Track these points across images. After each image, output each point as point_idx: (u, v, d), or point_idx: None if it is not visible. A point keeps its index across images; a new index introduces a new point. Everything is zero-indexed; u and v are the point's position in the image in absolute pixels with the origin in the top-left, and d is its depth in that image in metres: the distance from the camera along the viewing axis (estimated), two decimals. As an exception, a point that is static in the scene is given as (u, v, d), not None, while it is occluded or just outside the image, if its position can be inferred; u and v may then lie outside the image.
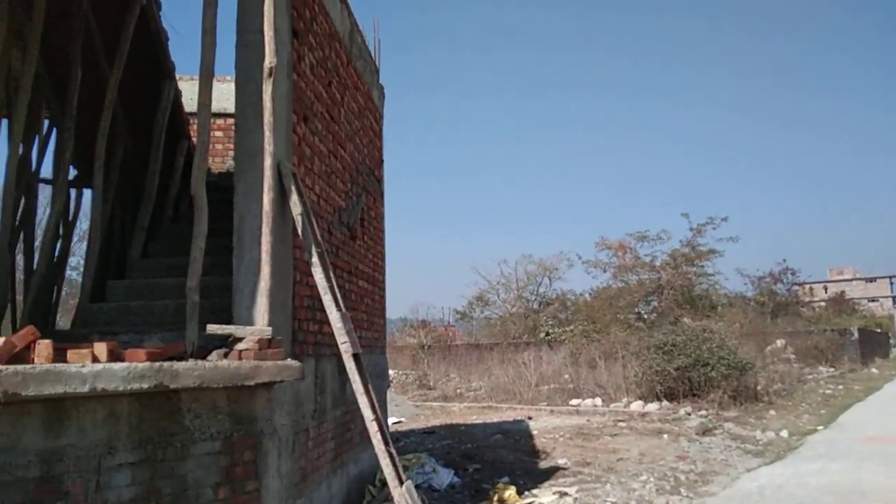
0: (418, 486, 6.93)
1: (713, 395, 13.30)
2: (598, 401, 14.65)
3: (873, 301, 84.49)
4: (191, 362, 3.71)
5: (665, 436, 10.31)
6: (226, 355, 4.02)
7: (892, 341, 45.19)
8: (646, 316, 31.49)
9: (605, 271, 32.68)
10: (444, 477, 7.32)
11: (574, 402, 14.88)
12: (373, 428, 4.35)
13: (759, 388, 15.03)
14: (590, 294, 36.35)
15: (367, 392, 4.43)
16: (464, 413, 14.54)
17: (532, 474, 7.77)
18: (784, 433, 10.75)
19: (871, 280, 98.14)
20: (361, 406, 4.40)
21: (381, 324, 8.20)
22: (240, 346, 4.00)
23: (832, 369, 23.85)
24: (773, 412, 13.16)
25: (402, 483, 4.26)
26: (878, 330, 42.19)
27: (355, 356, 4.54)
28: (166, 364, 3.53)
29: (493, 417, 13.19)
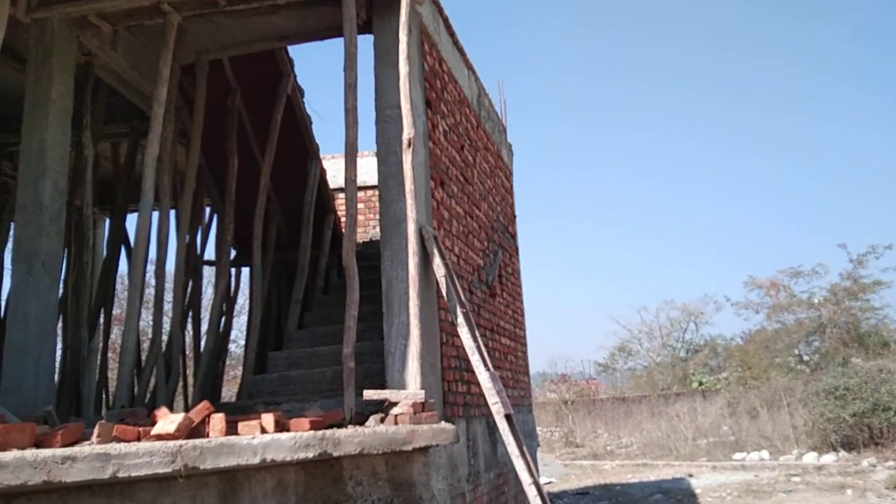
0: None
1: (900, 444, 11.81)
2: (765, 453, 13.45)
3: None
4: (351, 429, 3.76)
5: (849, 491, 9.23)
6: (382, 420, 4.05)
7: None
8: (807, 358, 28.94)
9: (757, 312, 30.55)
10: (606, 541, 6.91)
11: (737, 456, 13.74)
12: (532, 492, 4.18)
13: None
14: (742, 338, 34.00)
15: (522, 454, 4.29)
16: (617, 471, 13.82)
17: (702, 537, 7.17)
18: None
19: None
20: (518, 469, 4.26)
21: (526, 381, 8.05)
22: (395, 410, 4.02)
23: None
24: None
25: (566, 550, 4.04)
26: None
27: (507, 417, 4.43)
28: (328, 432, 3.59)
29: (650, 475, 12.42)
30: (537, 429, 25.12)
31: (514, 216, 8.97)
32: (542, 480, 12.73)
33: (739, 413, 18.39)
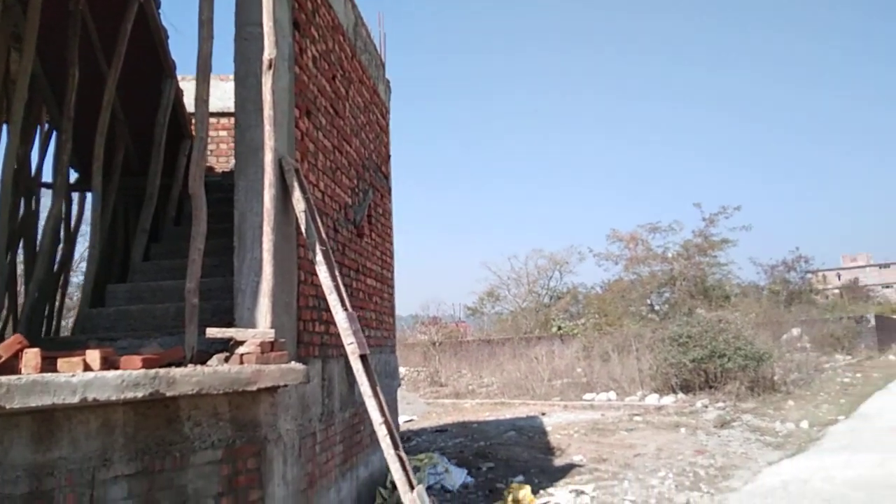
0: (430, 487, 6.77)
1: (730, 387, 13.05)
2: (613, 395, 14.43)
3: (888, 287, 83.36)
4: (189, 368, 3.53)
5: (682, 429, 10.09)
6: (227, 360, 3.85)
7: (908, 328, 44.56)
8: (658, 308, 31.24)
9: (616, 264, 32.47)
10: (457, 477, 7.14)
11: (588, 396, 14.67)
12: (382, 431, 4.16)
13: (776, 378, 14.76)
14: (601, 287, 36.09)
15: (375, 394, 4.25)
16: (476, 410, 14.36)
17: (547, 472, 7.58)
18: (804, 424, 10.49)
19: (886, 266, 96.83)
20: (370, 409, 4.22)
21: (391, 322, 8.02)
22: (241, 349, 3.82)
23: (849, 357, 23.48)
24: (791, 402, 12.89)
25: (412, 488, 4.08)
26: (895, 316, 41.59)
27: (362, 357, 4.36)
28: (162, 371, 3.35)
29: (506, 414, 12.99)
30: (404, 369, 25.56)
31: (389, 156, 8.76)
32: (404, 419, 12.97)
33: (593, 357, 19.57)
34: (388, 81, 8.94)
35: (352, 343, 4.30)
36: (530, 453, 8.71)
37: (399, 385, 8.35)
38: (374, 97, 7.93)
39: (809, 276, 46.06)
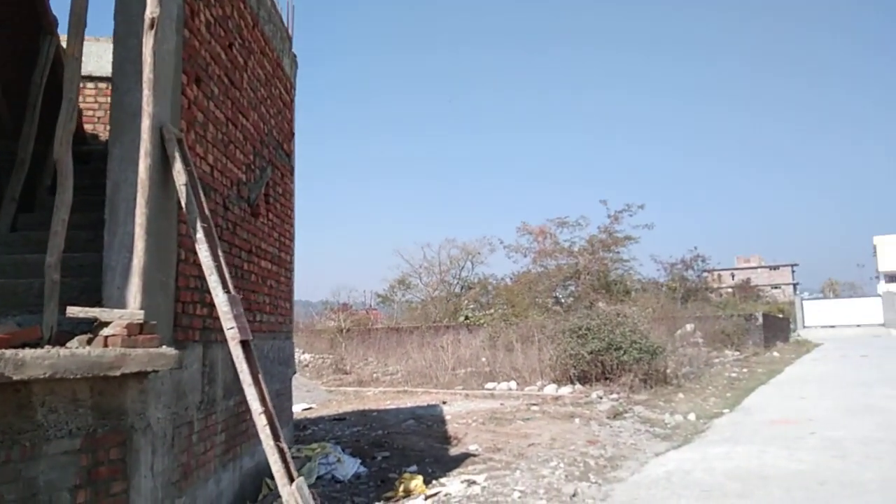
0: (321, 478, 6.61)
1: (625, 379, 13.50)
2: (513, 384, 14.66)
3: (776, 288, 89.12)
4: (43, 350, 3.23)
5: (577, 420, 10.33)
6: (89, 342, 3.55)
7: (792, 326, 47.83)
8: (563, 300, 32.05)
9: (525, 256, 33.06)
10: (350, 467, 7.00)
11: (489, 385, 14.84)
12: (261, 421, 3.97)
13: (668, 371, 15.41)
14: (511, 279, 36.66)
15: (256, 383, 4.05)
16: (378, 398, 14.25)
17: (442, 462, 7.56)
18: (692, 416, 10.98)
19: (775, 268, 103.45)
20: (249, 398, 4.02)
21: (287, 307, 7.76)
22: (105, 331, 3.54)
23: (737, 353, 24.88)
24: (681, 395, 13.48)
25: (292, 481, 3.91)
26: (780, 315, 44.51)
27: (244, 343, 4.14)
28: (10, 352, 3.04)
29: (408, 402, 12.95)
30: (309, 356, 25.03)
31: (293, 133, 8.46)
32: (301, 407, 12.69)
33: (498, 346, 19.83)
34: (294, 56, 8.62)
35: (232, 328, 4.08)
36: (427, 442, 8.68)
37: (295, 372, 8.11)
38: (277, 71, 7.61)
39: (706, 274, 48.55)
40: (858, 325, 53.08)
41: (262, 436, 3.99)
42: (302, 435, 9.35)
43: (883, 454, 7.54)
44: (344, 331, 30.11)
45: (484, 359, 18.38)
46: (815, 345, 36.64)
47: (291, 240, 8.08)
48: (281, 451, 3.96)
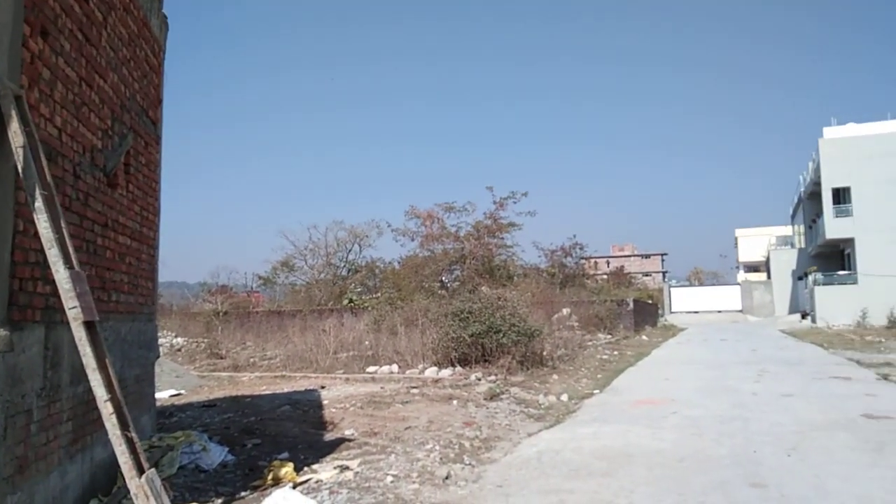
0: (183, 468, 6.26)
1: (503, 361, 13.79)
2: (395, 367, 14.62)
3: (647, 275, 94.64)
4: None
5: (455, 402, 10.43)
6: None
7: (660, 312, 50.94)
8: (449, 284, 32.42)
9: (412, 240, 33.12)
10: (216, 455, 6.68)
11: (371, 369, 14.72)
12: (107, 409, 3.66)
13: (545, 353, 15.92)
14: (398, 262, 36.66)
15: (101, 367, 3.73)
16: (253, 384, 13.77)
17: (315, 448, 7.38)
18: (564, 397, 11.38)
19: (647, 256, 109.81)
20: (93, 384, 3.69)
21: (150, 287, 7.27)
22: (-84, 309, 3.11)
23: (609, 336, 26.16)
24: (556, 377, 13.96)
25: (141, 473, 3.63)
26: (650, 301, 47.27)
27: (88, 324, 3.79)
28: None
29: (285, 388, 12.60)
30: (181, 339, 23.86)
31: (160, 100, 7.90)
32: (169, 393, 12.05)
33: (383, 330, 19.74)
34: (164, 17, 8.03)
35: (74, 307, 3.73)
36: (301, 428, 8.45)
37: (157, 357, 7.62)
38: (143, 31, 7.06)
39: (583, 261, 50.64)
40: (720, 311, 57.33)
41: (107, 425, 3.68)
42: (167, 423, 8.86)
43: (736, 431, 8.11)
44: (221, 314, 28.98)
45: (367, 342, 18.22)
46: (680, 329, 39.24)
47: (156, 214, 7.57)
48: (129, 442, 3.67)
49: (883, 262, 37.04)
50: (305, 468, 6.41)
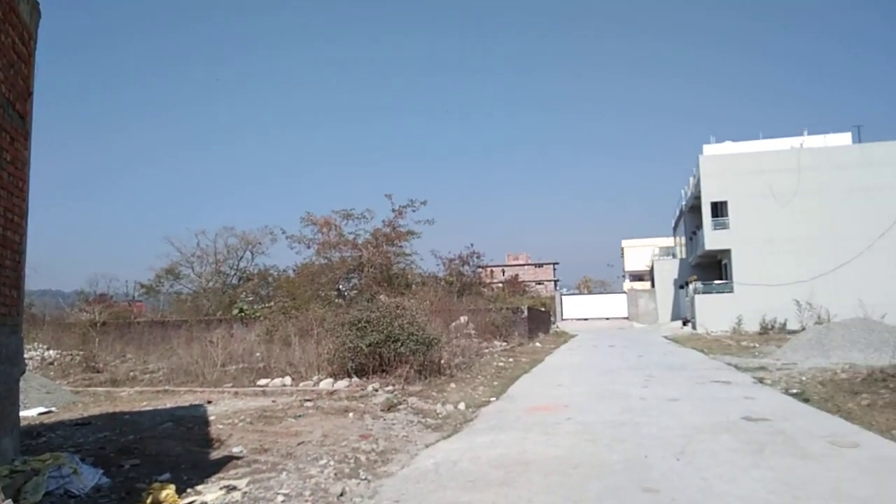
0: (50, 494, 5.74)
1: (401, 370, 13.68)
2: (288, 380, 14.17)
3: (540, 284, 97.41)
4: None
5: (351, 414, 10.20)
6: None
7: (552, 319, 52.49)
8: (346, 293, 31.98)
9: (309, 247, 32.39)
10: (89, 478, 6.15)
11: (262, 382, 14.20)
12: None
13: (443, 362, 15.93)
14: (294, 270, 35.81)
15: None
16: (133, 399, 12.93)
17: (200, 467, 6.96)
18: (462, 406, 11.39)
19: (540, 265, 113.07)
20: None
21: (14, 296, 6.63)
22: None
23: (505, 343, 26.62)
24: (453, 385, 13.98)
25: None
26: (543, 309, 48.58)
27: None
28: None
29: (168, 403, 11.89)
30: (54, 352, 22.19)
31: (30, 92, 7.24)
32: (37, 411, 11.12)
33: (275, 341, 19.15)
34: (36, 3, 7.40)
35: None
36: (185, 447, 7.96)
37: (23, 372, 6.96)
38: (9, 16, 6.46)
39: (480, 270, 51.45)
40: (608, 319, 59.74)
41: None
42: (34, 444, 8.12)
43: (627, 437, 8.36)
44: (99, 324, 27.17)
45: (259, 354, 17.61)
46: (571, 336, 40.57)
47: (23, 217, 6.92)
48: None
49: (756, 272, 39.88)
50: (189, 489, 6.02)
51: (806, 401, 10.95)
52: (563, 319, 59.92)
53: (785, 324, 34.54)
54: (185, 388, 13.95)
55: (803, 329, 27.16)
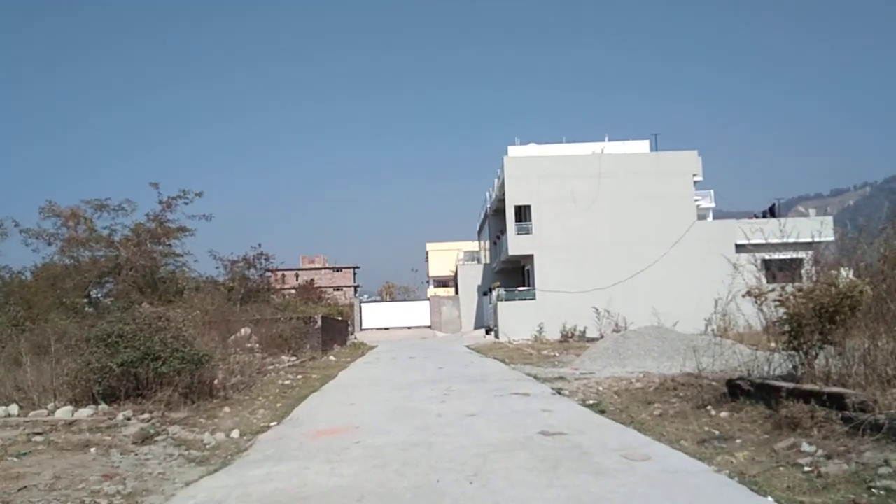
0: None
1: (162, 394, 12.68)
2: (14, 409, 12.53)
3: (338, 290, 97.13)
4: None
5: (93, 449, 9.23)
6: None
7: (350, 329, 52.41)
8: (101, 300, 29.46)
9: (50, 244, 29.20)
10: None
11: (-22, 413, 12.41)
12: None
13: (216, 382, 15.08)
14: (30, 272, 32.18)
15: None
16: None
17: None
18: (235, 433, 10.79)
19: (338, 270, 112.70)
20: None
21: None
22: None
23: (294, 358, 25.97)
24: (227, 409, 13.26)
25: None
26: (340, 318, 48.31)
27: None
28: None
29: None
30: None
31: None
32: None
33: (1, 360, 16.95)
34: None
35: None
36: None
37: None
38: None
39: (269, 274, 50.01)
40: (410, 328, 60.98)
41: None
42: None
43: (419, 459, 8.36)
44: None
45: (-25, 377, 15.44)
46: (370, 347, 40.72)
47: None
48: None
49: (558, 279, 42.84)
50: None
51: (602, 412, 11.77)
52: (362, 329, 60.13)
53: (584, 331, 37.43)
54: None
55: (602, 337, 29.60)
